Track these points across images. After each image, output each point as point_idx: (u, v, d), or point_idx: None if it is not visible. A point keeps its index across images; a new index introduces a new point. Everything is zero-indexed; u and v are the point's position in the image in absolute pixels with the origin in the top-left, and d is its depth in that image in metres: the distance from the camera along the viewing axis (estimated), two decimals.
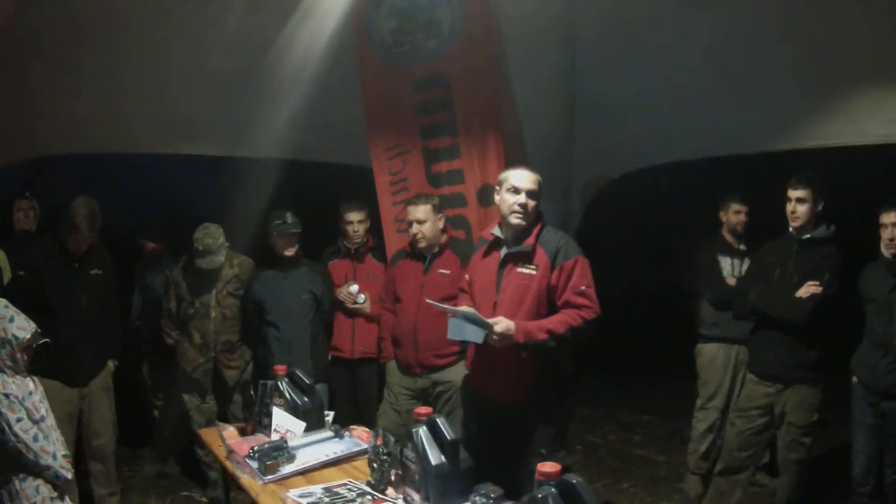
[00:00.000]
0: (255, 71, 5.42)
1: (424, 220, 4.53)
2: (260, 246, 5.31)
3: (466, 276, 4.07)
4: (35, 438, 3.52)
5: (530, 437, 3.75)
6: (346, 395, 5.41)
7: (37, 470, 3.53)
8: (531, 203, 3.71)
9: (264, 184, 6.71)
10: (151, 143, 6.05)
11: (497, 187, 3.87)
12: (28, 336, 3.57)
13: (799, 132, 5.12)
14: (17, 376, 3.60)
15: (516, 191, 3.71)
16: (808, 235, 4.27)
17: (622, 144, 5.85)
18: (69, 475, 3.65)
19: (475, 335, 3.58)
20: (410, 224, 4.57)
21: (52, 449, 3.58)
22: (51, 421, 3.73)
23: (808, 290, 4.13)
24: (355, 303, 5.24)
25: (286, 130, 5.70)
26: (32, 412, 3.57)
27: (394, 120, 5.06)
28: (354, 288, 5.25)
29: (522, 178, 3.73)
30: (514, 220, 3.73)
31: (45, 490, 3.58)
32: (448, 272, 4.51)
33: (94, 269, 4.76)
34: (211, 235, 4.99)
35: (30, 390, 3.64)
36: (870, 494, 4.15)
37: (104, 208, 4.91)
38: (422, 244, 4.57)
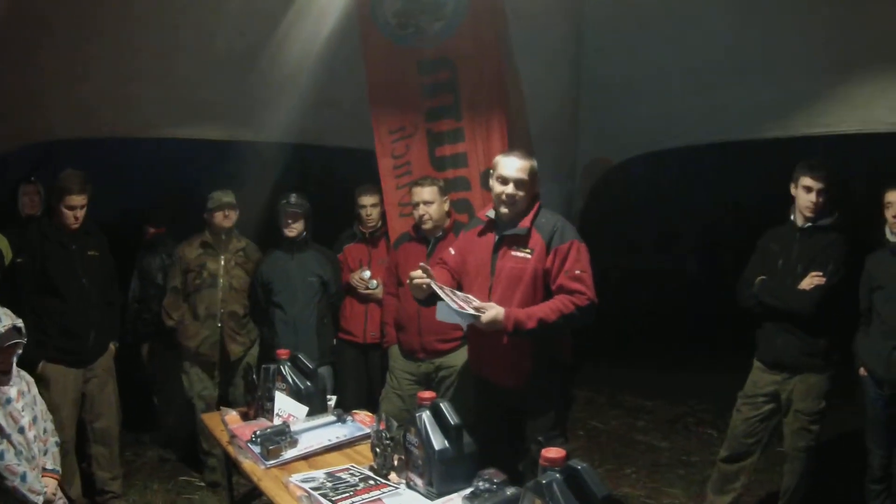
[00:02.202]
0: (260, 55, 5.40)
1: (432, 200, 4.50)
2: (268, 230, 5.32)
3: (451, 251, 3.99)
4: (1, 456, 3.30)
5: (527, 423, 3.73)
6: (357, 378, 5.43)
7: (2, 488, 3.31)
8: (519, 194, 3.63)
9: (270, 167, 6.72)
10: (157, 127, 6.05)
11: (491, 171, 3.81)
12: None
13: (805, 119, 5.08)
14: None
15: (504, 181, 3.65)
16: (810, 223, 4.17)
17: (628, 127, 5.81)
18: (40, 501, 3.38)
19: (461, 320, 3.54)
20: (417, 205, 4.53)
21: (23, 469, 3.35)
22: (35, 431, 3.54)
23: (811, 281, 4.05)
24: (367, 288, 5.24)
25: (292, 114, 5.70)
26: (4, 424, 3.37)
27: (398, 103, 5.02)
28: (367, 273, 5.26)
29: (511, 166, 3.65)
30: (503, 209, 3.69)
31: None
32: None
33: (91, 251, 4.74)
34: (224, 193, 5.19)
35: (8, 397, 3.45)
36: (885, 492, 4.11)
37: (111, 193, 4.91)
38: (428, 225, 4.54)
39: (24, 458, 3.41)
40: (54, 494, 3.58)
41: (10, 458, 3.32)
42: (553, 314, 3.50)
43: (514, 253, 3.66)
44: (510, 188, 3.63)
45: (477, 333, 3.70)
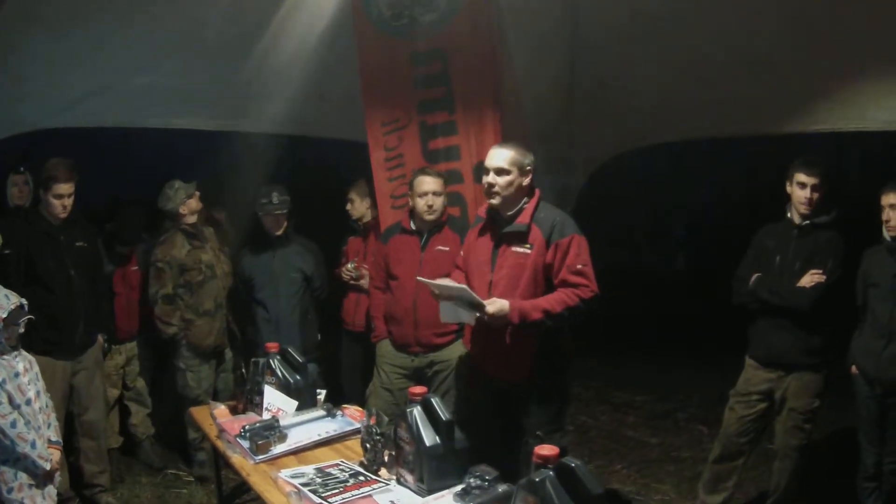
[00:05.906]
0: (252, 44, 5.33)
1: (440, 191, 4.48)
2: (258, 221, 5.30)
3: (462, 253, 4.04)
4: (13, 424, 3.43)
5: (528, 416, 3.73)
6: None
7: (13, 457, 3.44)
8: (500, 181, 3.65)
9: (261, 159, 6.68)
10: (147, 117, 5.98)
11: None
12: (5, 315, 3.47)
13: (800, 116, 5.05)
14: (2, 357, 3.51)
15: (486, 171, 3.70)
16: (807, 221, 4.17)
17: (621, 121, 5.78)
18: (47, 466, 3.54)
19: (468, 317, 3.57)
20: (424, 195, 4.44)
21: (32, 437, 3.48)
22: (40, 404, 3.64)
23: (811, 278, 4.04)
24: (353, 279, 5.36)
25: (284, 105, 5.66)
26: (14, 395, 3.49)
27: (391, 95, 4.98)
28: (351, 265, 5.37)
29: (491, 156, 3.71)
30: (489, 200, 3.73)
31: (24, 476, 3.50)
32: (447, 249, 4.44)
33: (78, 242, 4.69)
34: (171, 187, 5.17)
35: (16, 371, 3.55)
36: (877, 490, 4.12)
37: (98, 183, 4.87)
38: (434, 216, 4.48)
39: (32, 428, 3.54)
40: (58, 463, 3.71)
41: (21, 427, 3.47)
42: (558, 305, 3.54)
43: (514, 249, 3.68)
44: (490, 177, 3.67)
45: (482, 327, 3.70)
